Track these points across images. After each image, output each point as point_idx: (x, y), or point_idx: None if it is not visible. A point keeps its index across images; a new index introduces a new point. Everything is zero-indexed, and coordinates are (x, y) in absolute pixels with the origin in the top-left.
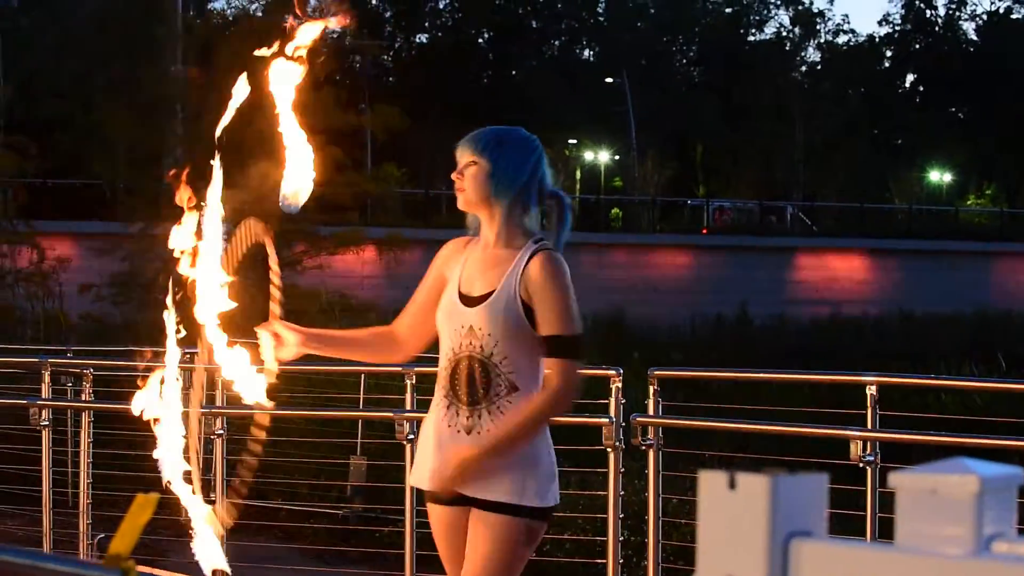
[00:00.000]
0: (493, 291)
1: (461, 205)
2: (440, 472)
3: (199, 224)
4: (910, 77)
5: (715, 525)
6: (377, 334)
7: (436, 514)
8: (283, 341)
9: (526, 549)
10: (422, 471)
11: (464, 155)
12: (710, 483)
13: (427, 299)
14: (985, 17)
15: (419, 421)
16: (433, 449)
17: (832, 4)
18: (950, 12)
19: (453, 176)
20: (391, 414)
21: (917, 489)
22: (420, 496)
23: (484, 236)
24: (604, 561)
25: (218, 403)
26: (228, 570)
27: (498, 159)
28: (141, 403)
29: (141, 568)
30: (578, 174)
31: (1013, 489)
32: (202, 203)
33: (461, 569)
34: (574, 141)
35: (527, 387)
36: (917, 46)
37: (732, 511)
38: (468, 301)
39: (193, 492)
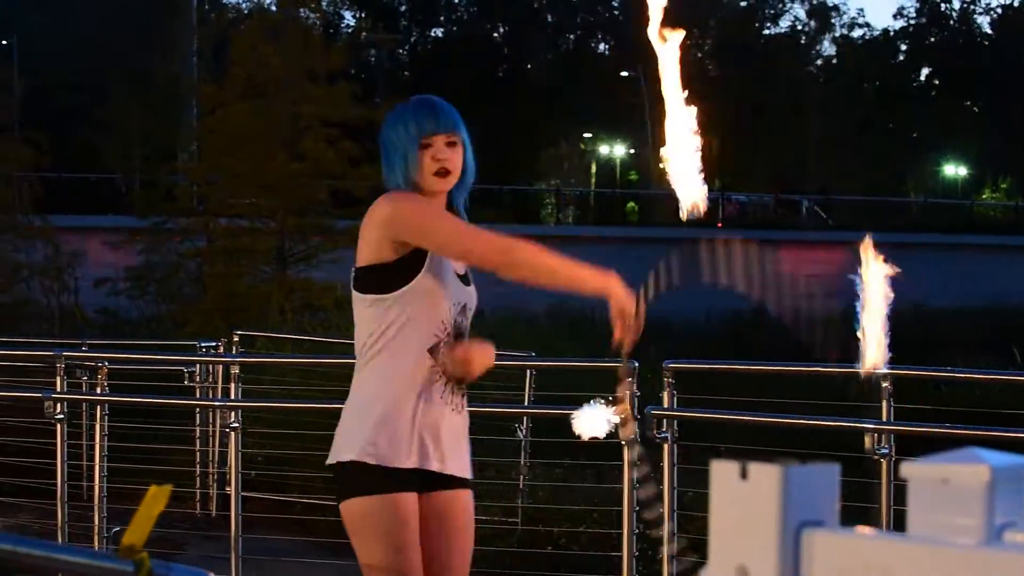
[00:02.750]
0: (468, 273)
1: (446, 187)
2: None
3: None
4: (925, 71)
5: (727, 516)
6: None
7: (421, 501)
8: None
9: None
10: (428, 456)
11: (446, 134)
12: (722, 473)
13: None
14: (1000, 11)
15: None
16: (441, 433)
17: None
18: (965, 5)
19: (441, 156)
20: None
21: (929, 479)
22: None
23: None
24: (619, 554)
25: (233, 396)
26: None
27: (468, 140)
28: None
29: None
30: (593, 168)
31: None
32: None
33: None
34: (589, 135)
35: None
36: (932, 39)
37: (744, 501)
38: (462, 279)
39: None
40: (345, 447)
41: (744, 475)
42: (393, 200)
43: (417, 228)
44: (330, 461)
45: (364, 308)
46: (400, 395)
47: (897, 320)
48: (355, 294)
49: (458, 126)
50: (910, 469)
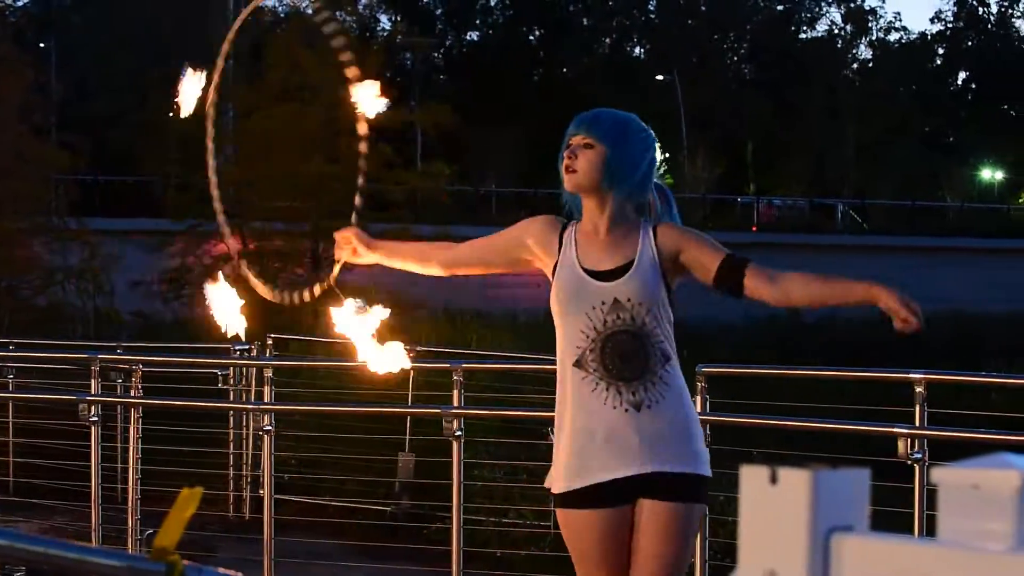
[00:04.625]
0: (632, 261)
1: (569, 187)
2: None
3: None
4: (962, 75)
5: (756, 520)
6: (433, 247)
7: (598, 517)
8: (356, 247)
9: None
10: (589, 468)
11: (580, 136)
12: (751, 478)
13: (497, 245)
14: None
15: (464, 417)
16: (602, 441)
17: (884, 2)
18: (1002, 9)
19: (564, 155)
20: (439, 410)
21: (959, 484)
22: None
23: (590, 221)
24: None
25: (266, 399)
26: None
27: (616, 146)
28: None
29: (188, 562)
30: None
31: None
32: None
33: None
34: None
35: (673, 355)
36: (969, 43)
37: (773, 506)
38: (602, 276)
39: None
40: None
41: (774, 480)
42: None
43: None
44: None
45: None
46: (568, 416)
47: (934, 325)
48: None
49: (593, 129)
50: (941, 474)
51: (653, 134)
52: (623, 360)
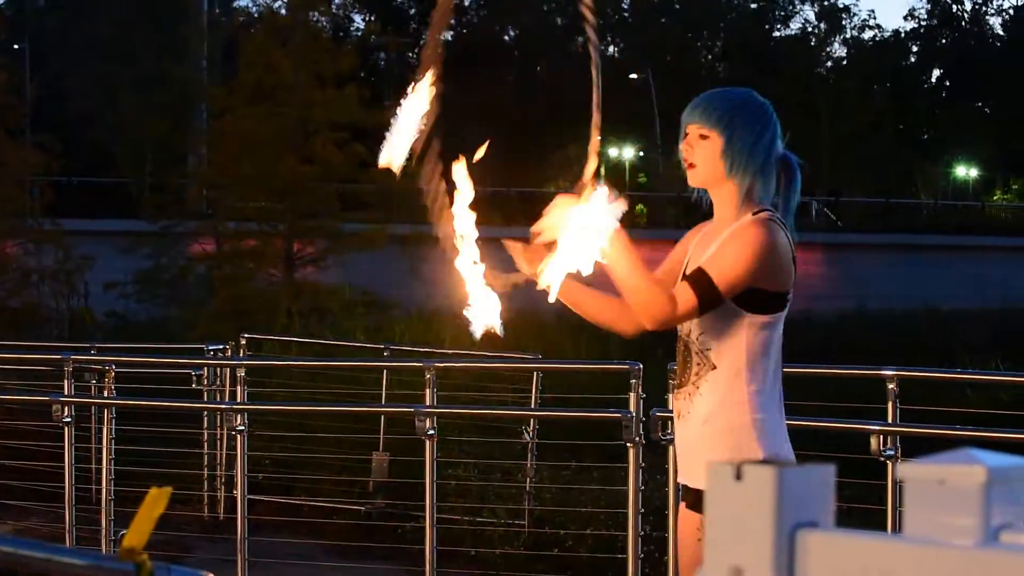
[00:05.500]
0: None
1: (691, 182)
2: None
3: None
4: (936, 72)
5: (721, 517)
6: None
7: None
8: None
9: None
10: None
11: (693, 126)
12: (716, 474)
13: (664, 274)
14: (1012, 12)
15: (437, 416)
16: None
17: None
18: (976, 6)
19: (681, 148)
20: (412, 409)
21: (925, 480)
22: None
23: (718, 215)
24: (624, 556)
25: (239, 399)
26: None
27: (732, 133)
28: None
29: (158, 562)
30: (602, 170)
31: (1022, 480)
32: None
33: None
34: (598, 138)
35: (727, 366)
36: (943, 41)
37: (738, 503)
38: None
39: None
40: None
41: (739, 476)
42: None
43: None
44: None
45: None
46: None
47: (909, 322)
48: None
49: (706, 117)
50: (906, 470)
51: (771, 109)
52: (679, 368)
